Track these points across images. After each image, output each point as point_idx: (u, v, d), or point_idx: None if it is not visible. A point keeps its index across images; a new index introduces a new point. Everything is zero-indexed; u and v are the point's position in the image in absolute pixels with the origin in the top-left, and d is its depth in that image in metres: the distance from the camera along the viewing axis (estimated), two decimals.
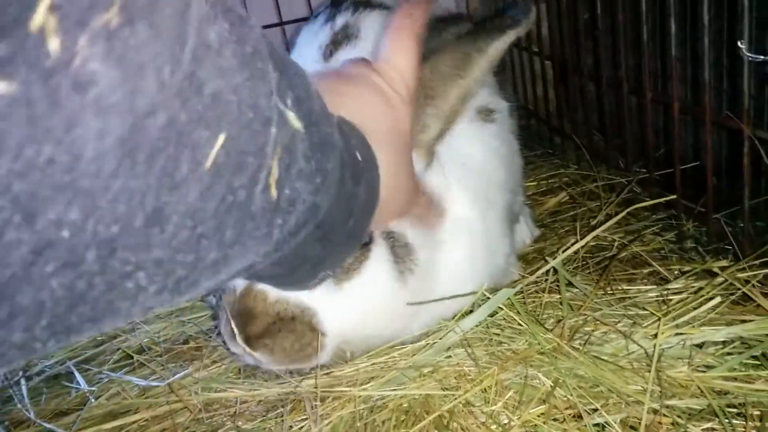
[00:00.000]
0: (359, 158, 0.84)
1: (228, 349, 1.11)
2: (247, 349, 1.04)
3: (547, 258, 1.37)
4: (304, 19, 2.50)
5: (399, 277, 1.09)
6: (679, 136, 1.47)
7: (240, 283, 1.05)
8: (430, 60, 1.07)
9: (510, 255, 1.37)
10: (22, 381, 1.30)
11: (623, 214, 1.38)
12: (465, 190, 1.23)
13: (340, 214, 0.80)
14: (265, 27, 2.50)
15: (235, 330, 1.04)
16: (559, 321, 1.17)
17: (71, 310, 0.52)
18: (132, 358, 1.37)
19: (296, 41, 1.74)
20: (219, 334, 1.15)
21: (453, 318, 1.22)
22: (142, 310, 0.59)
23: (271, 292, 1.03)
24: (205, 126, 0.55)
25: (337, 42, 1.47)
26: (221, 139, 0.57)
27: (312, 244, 0.79)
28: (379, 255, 1.07)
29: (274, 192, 0.64)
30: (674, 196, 1.47)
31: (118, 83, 0.48)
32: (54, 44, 0.44)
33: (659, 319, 1.13)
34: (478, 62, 1.10)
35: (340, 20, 1.55)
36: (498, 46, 1.13)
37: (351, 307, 1.06)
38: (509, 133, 1.47)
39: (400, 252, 1.10)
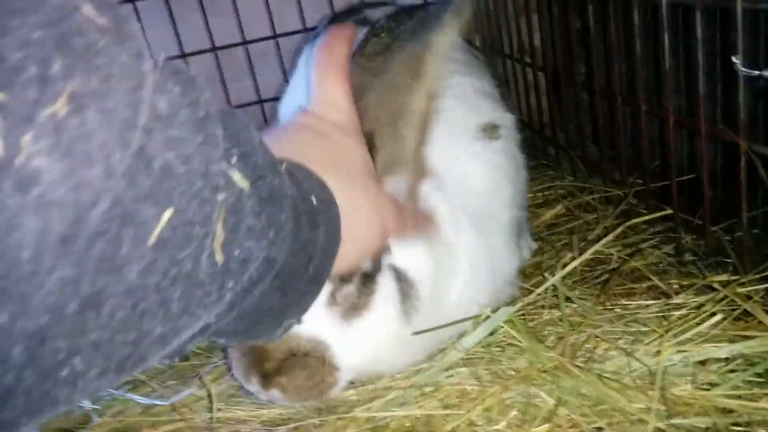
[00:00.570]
0: (314, 202, 0.80)
1: (242, 388, 1.10)
2: (263, 389, 1.04)
3: (546, 275, 1.37)
4: (298, 32, 2.50)
5: (405, 316, 1.09)
6: (674, 148, 1.47)
7: None
8: (381, 75, 1.05)
9: (515, 272, 1.36)
10: None
11: (621, 228, 1.38)
12: (468, 215, 1.22)
13: (299, 262, 0.77)
14: (260, 40, 2.50)
15: (249, 369, 1.04)
16: (561, 338, 1.17)
17: (3, 404, 0.49)
18: (134, 376, 1.36)
19: (297, 62, 1.74)
20: (231, 372, 1.13)
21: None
22: (86, 393, 0.55)
23: None
24: (153, 203, 0.53)
25: None
26: (168, 213, 0.54)
27: (271, 295, 0.75)
28: (385, 290, 1.07)
29: (220, 256, 0.60)
30: (672, 211, 1.47)
31: (63, 177, 0.46)
32: None
33: (661, 336, 1.13)
34: (429, 60, 1.05)
35: None
36: (446, 39, 1.06)
37: (362, 342, 1.06)
38: (515, 147, 1.46)
39: (405, 288, 1.09)
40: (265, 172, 0.68)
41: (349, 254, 0.89)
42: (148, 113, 0.52)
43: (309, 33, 2.49)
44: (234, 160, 0.63)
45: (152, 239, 0.53)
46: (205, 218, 0.58)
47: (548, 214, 1.80)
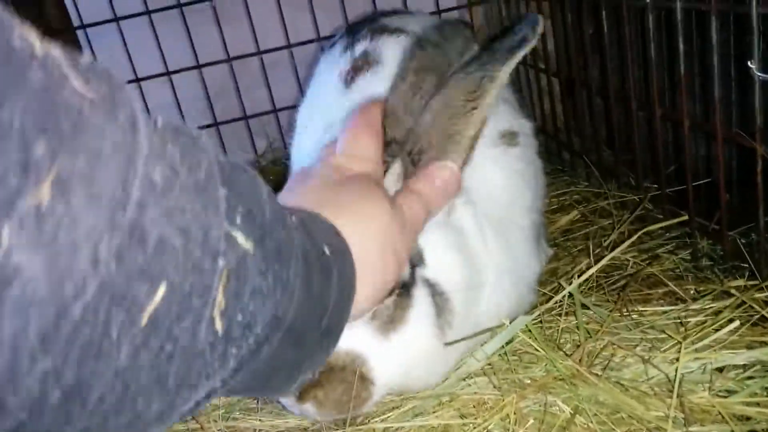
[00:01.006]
0: (327, 252, 0.76)
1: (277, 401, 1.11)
2: (297, 401, 1.03)
3: (562, 282, 1.36)
4: (312, 41, 2.52)
5: (440, 332, 1.10)
6: (690, 152, 1.46)
7: None
8: (440, 95, 1.06)
9: (536, 278, 1.36)
10: None
11: (638, 235, 1.38)
12: (490, 221, 1.23)
13: (312, 316, 0.73)
14: (274, 50, 2.52)
15: None
16: (578, 346, 1.17)
17: None
18: None
19: (315, 71, 1.75)
20: None
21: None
22: None
23: None
24: (146, 279, 0.48)
25: (357, 68, 1.48)
26: (162, 290, 0.49)
27: (284, 351, 0.70)
28: (421, 302, 1.08)
29: (219, 325, 0.56)
30: (688, 217, 1.46)
31: (45, 272, 0.42)
32: None
33: (679, 343, 1.12)
34: (490, 90, 1.08)
35: (359, 48, 1.55)
36: (508, 69, 1.10)
37: (398, 356, 1.06)
38: (534, 153, 1.47)
39: (440, 302, 1.10)
40: (273, 227, 0.64)
41: (365, 300, 0.86)
42: (141, 187, 0.48)
43: (323, 42, 2.51)
44: (238, 220, 0.58)
45: (145, 319, 0.49)
46: (204, 289, 0.54)
47: (563, 220, 1.80)
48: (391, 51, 1.49)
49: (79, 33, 2.57)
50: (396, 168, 1.07)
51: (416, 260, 1.09)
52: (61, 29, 2.55)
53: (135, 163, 0.48)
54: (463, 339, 1.13)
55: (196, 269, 0.52)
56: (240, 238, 0.58)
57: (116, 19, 2.51)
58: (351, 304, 0.82)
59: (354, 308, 0.83)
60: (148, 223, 0.48)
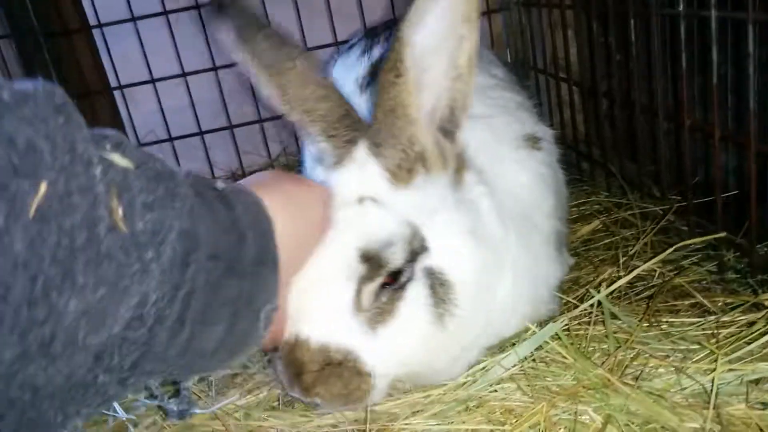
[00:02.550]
0: (220, 186, 0.85)
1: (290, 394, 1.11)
2: (305, 398, 1.06)
3: (590, 290, 1.34)
4: (329, 45, 2.52)
5: (437, 321, 1.06)
6: (719, 165, 1.45)
7: (288, 335, 1.05)
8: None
9: (556, 285, 1.34)
10: None
11: (673, 249, 1.36)
12: (513, 220, 1.20)
13: (232, 242, 0.80)
14: None
15: (291, 382, 1.06)
16: (607, 355, 1.14)
17: None
18: (167, 384, 1.34)
19: (329, 74, 1.73)
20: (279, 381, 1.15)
21: (498, 348, 1.19)
22: (19, 388, 0.57)
23: (313, 341, 1.03)
24: (23, 176, 0.56)
25: (374, 74, 1.47)
26: (43, 187, 0.57)
27: (224, 282, 0.78)
28: (414, 297, 1.05)
29: (123, 228, 0.65)
30: (721, 234, 1.43)
31: None
32: None
33: (712, 353, 1.10)
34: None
35: (377, 52, 1.54)
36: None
37: (389, 349, 1.05)
38: (556, 160, 1.45)
39: (441, 293, 1.07)
40: (145, 159, 0.73)
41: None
42: None
43: (340, 46, 2.51)
44: (108, 147, 0.68)
45: (32, 210, 0.57)
46: (84, 190, 0.61)
47: (585, 230, 1.78)
48: None
49: (95, 32, 2.56)
50: (364, 147, 1.06)
51: (418, 249, 1.06)
52: (77, 29, 2.55)
53: None
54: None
55: (68, 171, 0.60)
56: (116, 158, 0.68)
57: (133, 19, 2.50)
58: (272, 235, 0.88)
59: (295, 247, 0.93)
60: (10, 125, 0.57)
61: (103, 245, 0.62)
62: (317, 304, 1.03)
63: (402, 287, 1.05)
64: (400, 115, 1.04)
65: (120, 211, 0.65)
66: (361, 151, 1.07)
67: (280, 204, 0.93)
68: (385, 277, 1.04)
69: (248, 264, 0.82)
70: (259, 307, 0.87)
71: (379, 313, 1.05)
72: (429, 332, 1.06)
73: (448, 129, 1.10)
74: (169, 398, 1.02)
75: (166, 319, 0.70)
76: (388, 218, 1.05)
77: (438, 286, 1.06)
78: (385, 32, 1.66)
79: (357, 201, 1.05)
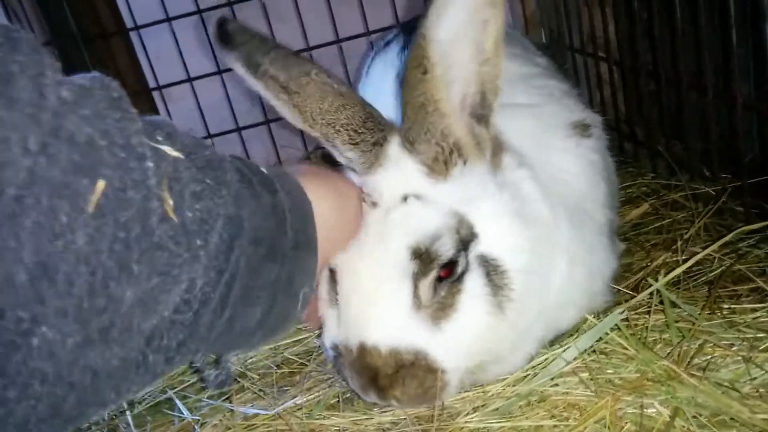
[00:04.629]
0: (264, 171, 0.87)
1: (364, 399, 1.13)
2: (382, 402, 1.08)
3: (648, 279, 1.31)
4: (361, 36, 2.51)
5: (497, 309, 1.06)
6: None
7: (353, 342, 1.06)
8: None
9: (612, 275, 1.32)
10: (127, 412, 1.31)
11: (730, 236, 1.32)
12: (564, 208, 1.18)
13: (273, 226, 0.82)
14: (323, 45, 2.51)
15: (366, 387, 1.07)
16: (670, 346, 1.12)
17: None
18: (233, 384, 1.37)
19: (367, 72, 1.72)
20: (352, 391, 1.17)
21: (557, 342, 1.18)
22: (80, 372, 0.60)
23: (383, 346, 1.04)
24: (83, 174, 0.59)
25: None
26: (101, 184, 0.60)
27: (265, 265, 0.81)
28: (473, 288, 1.05)
29: (174, 218, 0.67)
30: None
31: None
32: None
33: None
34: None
35: None
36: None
37: (456, 343, 1.05)
38: (606, 148, 1.42)
39: (497, 280, 1.06)
40: (195, 148, 0.75)
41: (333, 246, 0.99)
42: (56, 100, 0.59)
43: (371, 36, 2.49)
44: (160, 138, 0.70)
45: (91, 207, 0.59)
46: (138, 184, 0.64)
47: (634, 213, 1.75)
48: None
49: (132, 35, 2.58)
50: (397, 144, 1.07)
51: (467, 236, 1.05)
52: (115, 32, 2.57)
53: (44, 79, 0.59)
54: None
55: (123, 167, 0.63)
56: (167, 149, 0.69)
57: (168, 20, 2.51)
58: (312, 219, 0.91)
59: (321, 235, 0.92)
60: (71, 124, 0.59)
61: (155, 236, 0.65)
62: (378, 308, 1.04)
63: (459, 279, 1.05)
64: (430, 110, 1.03)
65: (170, 202, 0.67)
66: (395, 150, 1.07)
67: (321, 189, 0.96)
68: (440, 270, 1.04)
69: (288, 248, 0.85)
70: (297, 290, 0.90)
71: (440, 308, 1.05)
72: (491, 321, 1.06)
73: (480, 114, 1.09)
74: (209, 369, 1.02)
75: (210, 302, 0.72)
76: (433, 212, 1.05)
77: (493, 273, 1.06)
78: None
79: (401, 200, 1.06)
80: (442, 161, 1.06)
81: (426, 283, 1.04)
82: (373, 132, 1.06)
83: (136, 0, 2.52)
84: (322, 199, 0.95)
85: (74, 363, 0.59)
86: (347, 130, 1.05)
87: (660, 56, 1.85)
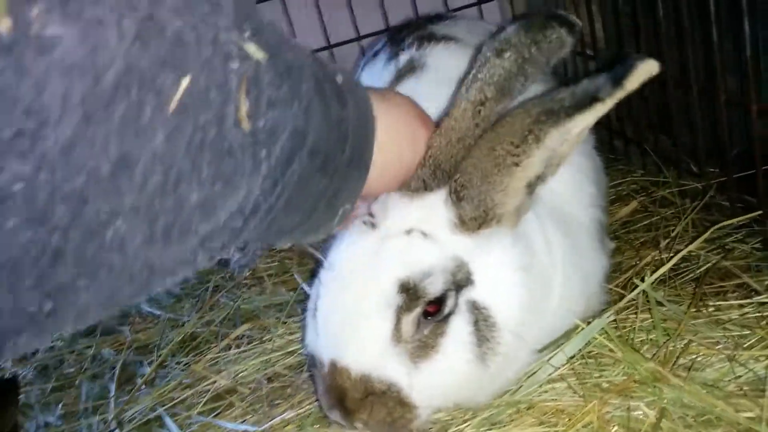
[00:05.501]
0: (339, 80, 0.83)
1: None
2: (345, 422, 1.04)
3: (634, 279, 1.31)
4: (352, 41, 2.51)
5: (480, 360, 1.03)
6: (757, 137, 1.41)
7: (326, 358, 1.04)
8: (492, 131, 0.99)
9: (604, 275, 1.31)
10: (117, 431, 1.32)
11: (711, 230, 1.33)
12: (552, 218, 1.18)
13: (333, 140, 0.80)
14: (315, 51, 2.50)
15: (332, 405, 1.05)
16: (657, 347, 1.13)
17: (54, 266, 0.54)
18: (218, 400, 1.38)
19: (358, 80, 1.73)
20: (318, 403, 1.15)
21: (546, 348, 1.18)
22: (137, 264, 0.60)
23: (354, 369, 1.01)
24: (170, 69, 0.57)
25: (400, 76, 1.45)
26: (185, 81, 0.58)
27: (315, 177, 0.79)
28: (458, 332, 1.02)
29: (247, 125, 0.65)
30: (758, 205, 1.40)
31: (80, 41, 0.51)
32: (5, 24, 0.48)
33: (763, 339, 1.08)
34: (533, 151, 0.97)
35: (404, 57, 1.53)
36: (559, 132, 0.96)
37: (432, 384, 1.03)
38: (592, 148, 1.42)
39: (485, 331, 1.03)
40: (280, 48, 0.71)
41: (383, 164, 0.94)
42: None
43: (362, 40, 2.50)
44: (248, 34, 0.66)
45: (173, 105, 0.58)
46: (220, 85, 0.62)
47: (623, 211, 1.75)
48: (438, 57, 1.46)
49: None
50: (442, 194, 1.04)
51: (462, 281, 1.03)
52: None
53: None
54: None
55: (209, 66, 0.61)
56: (251, 49, 0.66)
57: None
58: (372, 140, 0.89)
59: (375, 162, 0.90)
60: (162, 15, 0.57)
61: (226, 141, 0.64)
62: (355, 333, 1.02)
63: (445, 320, 1.02)
64: (499, 189, 1.01)
65: (246, 107, 0.65)
66: (437, 198, 1.04)
67: (390, 112, 0.94)
68: (425, 306, 1.01)
69: (342, 165, 0.83)
70: (338, 206, 0.89)
71: (421, 347, 1.02)
72: (471, 371, 1.04)
73: (534, 185, 1.05)
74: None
75: (259, 211, 0.72)
76: (434, 251, 1.02)
77: (482, 322, 1.03)
78: (408, 37, 1.63)
79: (405, 232, 1.03)
80: (478, 223, 1.03)
81: (409, 319, 1.01)
82: (419, 180, 1.03)
83: None
84: (385, 120, 0.92)
85: (137, 258, 0.60)
86: None
87: (645, 53, 1.85)
